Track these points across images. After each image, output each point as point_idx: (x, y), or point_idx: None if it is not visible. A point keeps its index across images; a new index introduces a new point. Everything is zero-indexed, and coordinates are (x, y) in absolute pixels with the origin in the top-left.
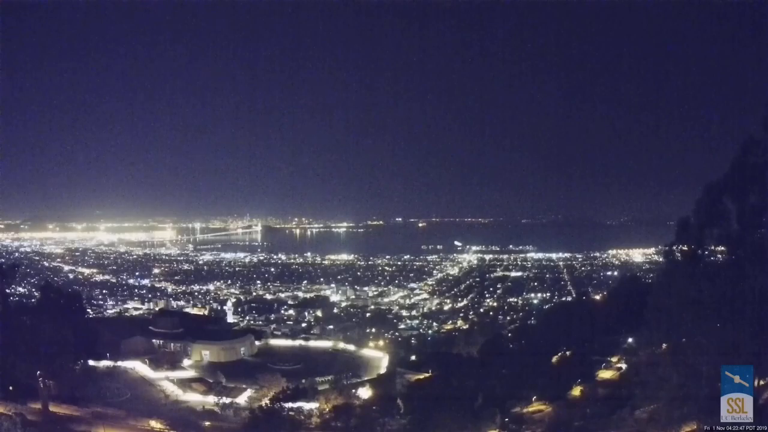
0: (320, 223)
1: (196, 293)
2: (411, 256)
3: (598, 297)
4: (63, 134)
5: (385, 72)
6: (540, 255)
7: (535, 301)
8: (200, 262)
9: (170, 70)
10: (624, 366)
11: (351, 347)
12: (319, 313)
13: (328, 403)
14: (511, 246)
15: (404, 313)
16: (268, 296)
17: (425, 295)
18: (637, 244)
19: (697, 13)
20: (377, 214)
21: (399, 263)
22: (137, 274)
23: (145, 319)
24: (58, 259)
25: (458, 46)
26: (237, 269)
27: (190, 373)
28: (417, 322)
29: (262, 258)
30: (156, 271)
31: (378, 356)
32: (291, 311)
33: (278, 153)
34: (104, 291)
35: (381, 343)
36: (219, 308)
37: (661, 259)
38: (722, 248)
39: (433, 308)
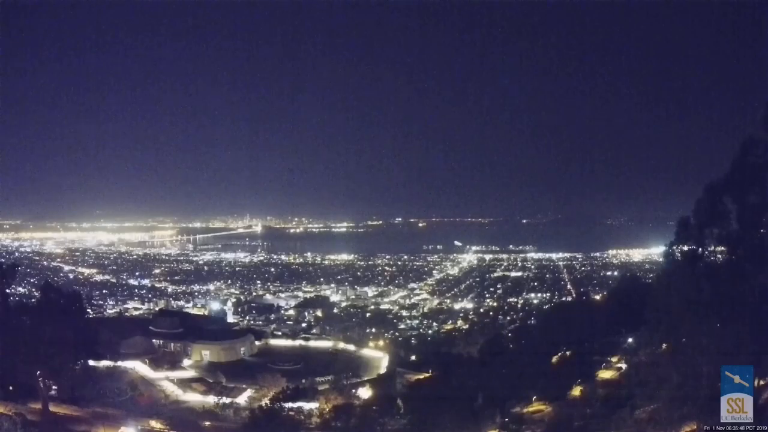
0: (320, 223)
1: (196, 293)
2: (411, 256)
3: (598, 297)
4: (63, 134)
5: (385, 71)
6: (540, 255)
7: (535, 301)
8: (200, 262)
9: (170, 69)
10: (624, 366)
11: (351, 347)
12: (319, 313)
13: (328, 403)
14: (511, 246)
15: (404, 313)
16: (268, 296)
17: (425, 295)
18: (637, 244)
19: (698, 13)
20: (377, 214)
21: (399, 263)
22: (137, 274)
23: (145, 319)
24: (58, 259)
25: (458, 45)
26: (237, 269)
27: (190, 373)
28: (417, 322)
29: (262, 258)
30: (156, 271)
31: (378, 356)
32: (291, 311)
33: (278, 153)
34: (104, 291)
35: (381, 343)
36: (219, 308)
37: (660, 259)
38: (722, 248)
39: (433, 308)
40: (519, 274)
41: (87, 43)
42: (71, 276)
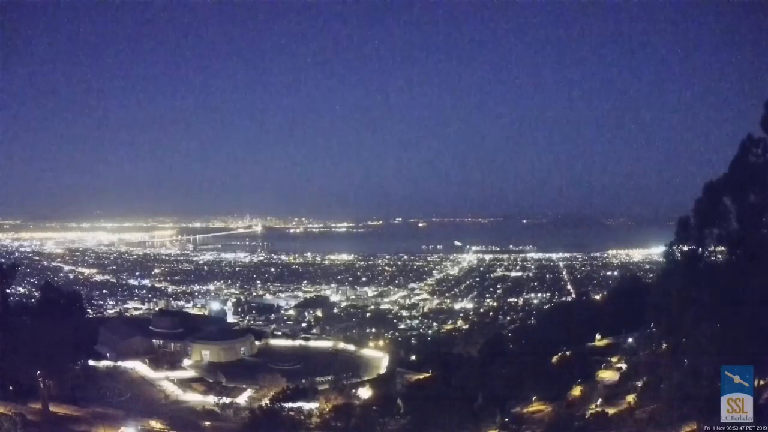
0: (320, 223)
1: (196, 293)
2: (411, 256)
3: (598, 297)
4: (63, 135)
5: (385, 71)
6: (540, 255)
7: (535, 301)
8: (200, 262)
9: (171, 70)
10: (624, 366)
11: (351, 347)
12: (319, 313)
13: (328, 403)
14: (511, 246)
15: (404, 313)
16: (268, 296)
17: (425, 295)
18: (637, 244)
19: (698, 13)
20: (377, 214)
21: (399, 263)
22: (137, 274)
23: (145, 319)
24: (58, 259)
25: (458, 44)
26: (237, 269)
27: (190, 373)
28: (417, 322)
29: (262, 258)
30: (156, 271)
31: (378, 356)
32: (291, 311)
33: (278, 153)
34: (104, 291)
35: (381, 343)
36: (219, 308)
37: (660, 259)
38: (722, 248)
39: (433, 308)
40: (519, 274)
41: (87, 44)
42: (71, 276)
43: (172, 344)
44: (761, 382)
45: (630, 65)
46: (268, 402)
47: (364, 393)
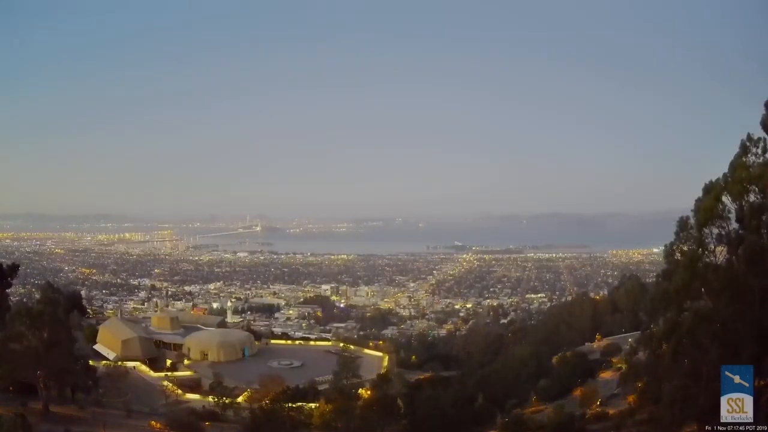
0: (320, 223)
1: (196, 293)
2: (411, 256)
3: (598, 297)
4: (64, 134)
5: (385, 70)
6: (540, 255)
7: (535, 302)
8: (200, 262)
9: (171, 70)
10: (624, 366)
11: (351, 347)
12: (319, 313)
13: (328, 403)
14: (511, 246)
15: (404, 313)
16: (268, 296)
17: (425, 295)
18: (637, 244)
19: (700, 12)
20: (377, 215)
21: (399, 263)
22: (137, 274)
23: (145, 319)
24: (58, 259)
25: (457, 42)
26: (237, 269)
27: (190, 373)
28: (417, 322)
29: (262, 258)
30: (156, 271)
31: (378, 356)
32: (291, 311)
33: (279, 153)
34: (104, 291)
35: (381, 343)
36: (219, 308)
37: (660, 259)
38: (722, 248)
39: (433, 308)
40: (519, 274)
41: (87, 44)
42: (71, 276)
43: (172, 344)
44: (761, 382)
45: (630, 64)
46: (268, 402)
47: (364, 393)
